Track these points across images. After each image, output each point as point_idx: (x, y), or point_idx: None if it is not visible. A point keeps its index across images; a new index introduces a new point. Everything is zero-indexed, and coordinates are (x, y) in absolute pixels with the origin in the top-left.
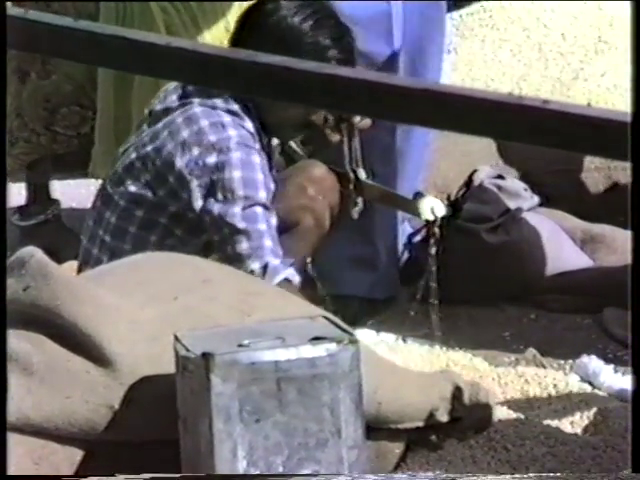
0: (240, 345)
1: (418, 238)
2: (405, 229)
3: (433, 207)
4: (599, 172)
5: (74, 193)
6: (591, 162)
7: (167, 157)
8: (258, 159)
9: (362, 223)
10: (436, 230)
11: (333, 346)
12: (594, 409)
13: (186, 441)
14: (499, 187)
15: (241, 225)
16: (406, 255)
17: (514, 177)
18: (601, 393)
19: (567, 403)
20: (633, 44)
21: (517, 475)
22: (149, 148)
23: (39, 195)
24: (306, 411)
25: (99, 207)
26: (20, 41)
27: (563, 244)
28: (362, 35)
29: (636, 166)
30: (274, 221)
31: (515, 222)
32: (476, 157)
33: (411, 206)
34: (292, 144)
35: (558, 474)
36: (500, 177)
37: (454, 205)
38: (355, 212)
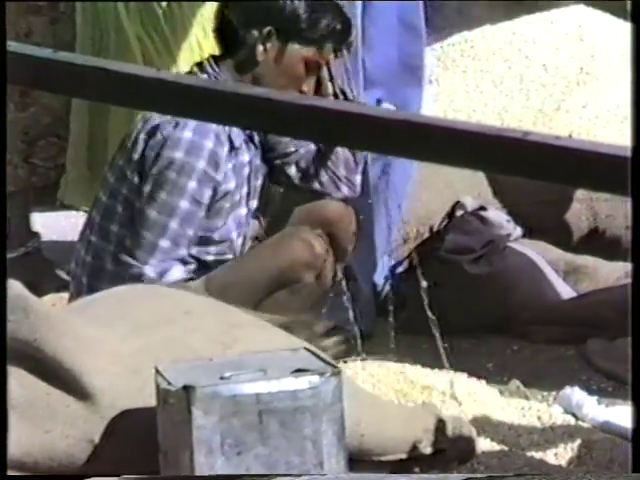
0: (222, 377)
1: (400, 270)
2: (385, 262)
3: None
4: (581, 203)
5: (55, 225)
6: (573, 193)
7: (135, 135)
8: (211, 144)
9: None
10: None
11: (315, 378)
12: (578, 441)
13: (167, 474)
14: (482, 218)
15: (152, 213)
16: (387, 287)
17: (496, 208)
18: (585, 425)
19: (551, 435)
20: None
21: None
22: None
23: (19, 228)
24: (288, 443)
25: (84, 233)
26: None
27: (546, 275)
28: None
29: (636, 196)
30: (200, 216)
31: (498, 253)
32: (458, 188)
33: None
34: None
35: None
36: (482, 208)
37: (437, 236)
38: None
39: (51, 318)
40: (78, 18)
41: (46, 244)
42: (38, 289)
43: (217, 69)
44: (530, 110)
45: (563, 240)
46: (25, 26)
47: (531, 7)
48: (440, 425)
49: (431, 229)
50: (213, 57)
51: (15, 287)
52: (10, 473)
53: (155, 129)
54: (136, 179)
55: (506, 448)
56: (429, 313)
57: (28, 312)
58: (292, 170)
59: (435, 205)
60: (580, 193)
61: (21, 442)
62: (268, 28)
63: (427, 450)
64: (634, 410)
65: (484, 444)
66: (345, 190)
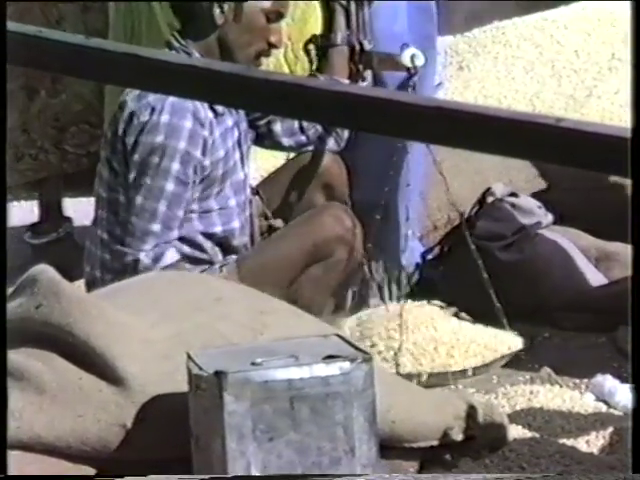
0: (253, 363)
1: (430, 256)
2: (416, 247)
3: (414, 55)
4: (614, 190)
5: (86, 211)
6: (605, 180)
7: (115, 122)
8: (189, 124)
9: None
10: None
11: (347, 364)
12: (610, 428)
13: (198, 460)
14: (513, 205)
15: (139, 199)
16: (418, 273)
17: (527, 194)
18: (617, 412)
19: (582, 422)
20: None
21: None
22: (106, 127)
23: (51, 213)
24: (319, 430)
25: (96, 211)
26: (33, 59)
27: (577, 262)
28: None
29: (636, 182)
30: (187, 196)
31: (529, 240)
32: (489, 174)
33: (397, 58)
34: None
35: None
36: (514, 194)
37: (467, 222)
38: (364, 85)
39: (83, 303)
40: (111, 7)
41: (78, 229)
42: (70, 274)
43: (183, 42)
44: (561, 96)
45: (595, 227)
46: (56, 13)
47: None
48: (471, 412)
49: (462, 215)
50: (178, 32)
51: (47, 272)
52: (43, 457)
53: (132, 116)
54: (120, 168)
55: (537, 435)
56: (496, 302)
57: (60, 297)
58: (277, 127)
59: (465, 192)
60: (614, 180)
61: (54, 426)
62: None
63: (458, 437)
64: (634, 410)
65: (515, 431)
66: (331, 143)
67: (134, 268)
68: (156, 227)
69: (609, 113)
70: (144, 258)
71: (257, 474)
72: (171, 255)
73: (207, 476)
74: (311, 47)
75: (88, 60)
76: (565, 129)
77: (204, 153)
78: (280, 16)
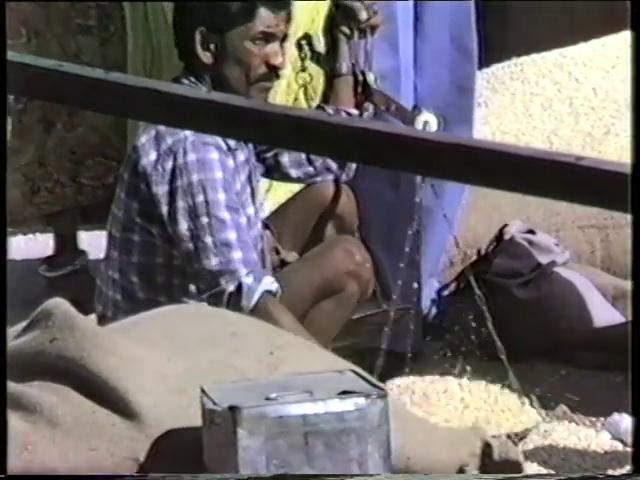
0: (267, 398)
1: (446, 292)
2: (433, 284)
3: (427, 121)
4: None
5: (101, 244)
6: (623, 218)
7: (133, 167)
8: (216, 155)
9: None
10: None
11: (362, 400)
12: (626, 467)
13: None
14: (530, 242)
15: (207, 238)
16: (434, 310)
17: (544, 232)
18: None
19: (599, 460)
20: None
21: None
22: (122, 169)
23: (66, 246)
24: (334, 465)
25: (108, 251)
26: (53, 93)
27: (595, 300)
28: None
29: (637, 218)
30: (243, 220)
31: (546, 277)
32: (506, 211)
33: (408, 117)
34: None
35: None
36: (531, 232)
37: (484, 259)
38: (366, 116)
39: (97, 336)
40: (129, 40)
41: (93, 262)
42: (85, 307)
43: (192, 79)
44: (579, 134)
45: (612, 265)
46: (75, 46)
47: (584, 33)
48: (487, 449)
49: (479, 252)
50: (185, 68)
51: (62, 305)
52: None
53: (155, 165)
54: (150, 221)
55: (553, 472)
56: (498, 342)
57: (74, 330)
58: (285, 159)
59: (483, 228)
60: (630, 218)
61: (67, 459)
62: (199, 29)
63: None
64: (634, 410)
65: (531, 469)
66: (339, 173)
67: (238, 293)
68: (238, 255)
69: (627, 151)
70: (246, 280)
71: None
72: (270, 280)
73: (205, 476)
74: (303, 42)
75: (108, 94)
76: (585, 167)
77: (234, 181)
78: (272, 37)
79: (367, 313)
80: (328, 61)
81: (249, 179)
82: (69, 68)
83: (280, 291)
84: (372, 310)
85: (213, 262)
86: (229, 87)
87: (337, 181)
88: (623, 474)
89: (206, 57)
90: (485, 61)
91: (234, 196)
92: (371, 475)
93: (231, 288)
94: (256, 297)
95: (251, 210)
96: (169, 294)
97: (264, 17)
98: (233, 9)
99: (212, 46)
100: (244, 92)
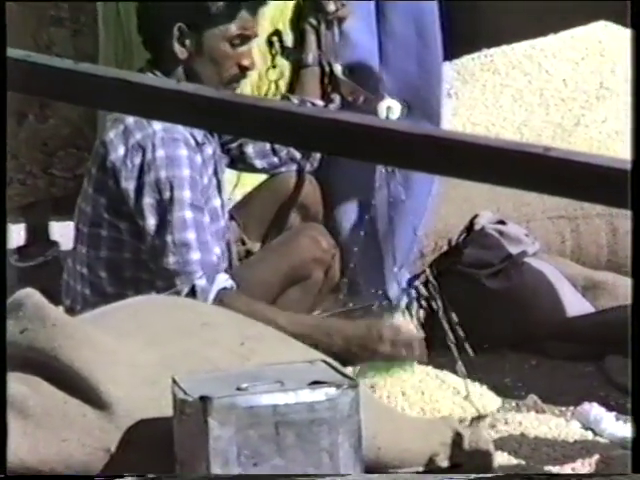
0: (238, 389)
1: (416, 283)
2: (404, 274)
3: (390, 107)
4: (600, 219)
5: (73, 235)
6: (592, 208)
7: (101, 162)
8: (185, 152)
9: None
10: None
11: (332, 390)
12: (596, 456)
13: None
14: (500, 232)
15: (168, 237)
16: (405, 300)
17: (515, 222)
18: (602, 440)
19: (568, 450)
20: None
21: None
22: (90, 163)
23: (38, 237)
24: (305, 455)
25: (75, 245)
26: (22, 84)
27: (565, 290)
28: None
29: (636, 212)
30: (206, 220)
31: (516, 268)
32: (477, 202)
33: (372, 105)
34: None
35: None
36: (501, 222)
37: (455, 250)
38: (332, 107)
39: (69, 327)
40: (101, 31)
41: (64, 253)
42: (56, 298)
43: (158, 73)
44: (549, 125)
45: (582, 256)
46: (46, 38)
47: (554, 25)
48: (457, 439)
49: (449, 243)
50: (149, 61)
51: (33, 296)
52: None
53: (124, 160)
54: (118, 215)
55: (523, 462)
56: (449, 331)
57: (45, 321)
58: (249, 149)
59: (453, 219)
60: (600, 208)
61: (38, 450)
62: (177, 25)
63: (444, 464)
64: (634, 410)
65: (501, 458)
66: (303, 163)
67: (193, 295)
68: (196, 256)
69: (597, 142)
70: (199, 282)
71: None
72: (224, 278)
73: (204, 474)
74: (274, 39)
75: (77, 85)
76: (553, 158)
77: (201, 177)
78: (247, 39)
79: (334, 312)
80: (295, 53)
81: (215, 171)
82: (38, 58)
83: (235, 287)
84: (336, 309)
85: (171, 261)
86: (200, 83)
87: (301, 171)
88: (554, 474)
89: (181, 52)
90: (455, 52)
91: (199, 195)
92: (342, 475)
93: (186, 290)
94: (211, 297)
95: (217, 202)
96: (137, 289)
97: (243, 19)
98: (214, 10)
99: (188, 42)
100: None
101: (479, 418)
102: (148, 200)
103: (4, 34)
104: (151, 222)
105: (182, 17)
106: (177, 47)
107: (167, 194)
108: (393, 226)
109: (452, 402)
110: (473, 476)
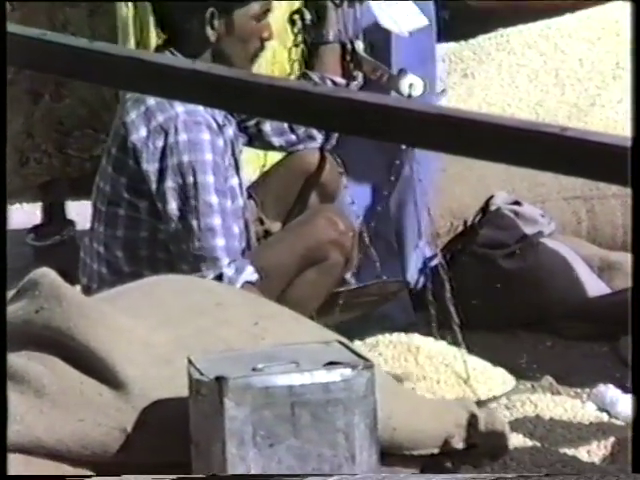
0: (254, 369)
1: (433, 263)
2: (419, 255)
3: (412, 84)
4: (616, 199)
5: (89, 214)
6: (608, 189)
7: (121, 142)
8: (207, 135)
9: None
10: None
11: (348, 371)
12: (611, 438)
13: (198, 465)
14: (516, 213)
15: (193, 221)
16: (422, 280)
17: (530, 203)
18: (618, 422)
19: (584, 432)
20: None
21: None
22: (109, 143)
23: (55, 216)
24: (320, 436)
25: (93, 223)
26: (37, 62)
27: (580, 271)
28: None
29: (636, 191)
30: (229, 204)
31: (532, 248)
32: (492, 182)
33: (394, 81)
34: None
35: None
36: (517, 203)
37: (470, 230)
38: (354, 86)
39: (84, 307)
40: (119, 12)
41: (80, 233)
42: (72, 277)
43: (176, 53)
44: (565, 105)
45: (598, 236)
46: (62, 17)
47: (571, 5)
48: (473, 420)
49: (465, 223)
50: (166, 42)
51: (49, 275)
52: (43, 460)
53: (146, 141)
54: (141, 197)
55: (538, 444)
56: (453, 313)
57: (61, 300)
58: (267, 127)
59: (468, 199)
60: (616, 189)
61: (54, 430)
62: (210, 10)
63: (459, 445)
64: (634, 410)
65: (516, 440)
66: (320, 139)
67: (218, 282)
68: (221, 242)
69: (613, 122)
70: (227, 271)
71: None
72: (251, 270)
73: (204, 475)
74: (296, 17)
75: (92, 63)
76: (569, 138)
77: (223, 160)
78: (267, 12)
79: (366, 283)
80: (316, 29)
81: (233, 152)
82: (53, 37)
83: (259, 280)
84: (369, 281)
85: (196, 246)
86: (230, 64)
87: (320, 149)
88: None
89: (212, 35)
90: (471, 32)
91: (222, 179)
92: (330, 475)
93: (211, 276)
94: (237, 287)
95: (235, 181)
96: (153, 268)
97: None
98: None
99: (217, 24)
100: (245, 65)
101: (479, 403)
102: (170, 184)
103: (4, 34)
104: (173, 206)
105: (213, 3)
106: (209, 30)
107: (190, 179)
108: (408, 205)
109: (456, 385)
110: (470, 476)
